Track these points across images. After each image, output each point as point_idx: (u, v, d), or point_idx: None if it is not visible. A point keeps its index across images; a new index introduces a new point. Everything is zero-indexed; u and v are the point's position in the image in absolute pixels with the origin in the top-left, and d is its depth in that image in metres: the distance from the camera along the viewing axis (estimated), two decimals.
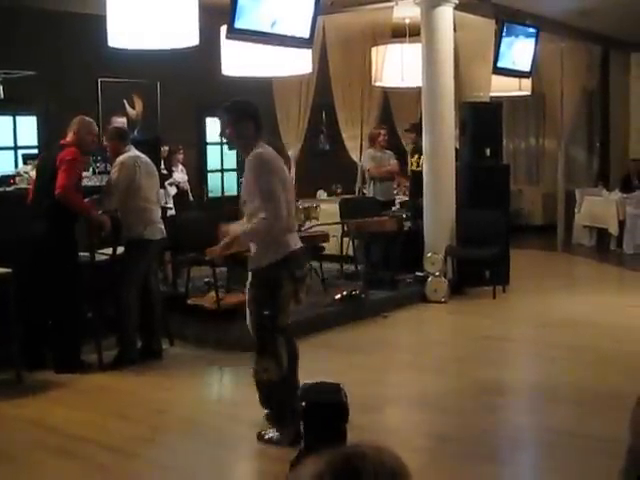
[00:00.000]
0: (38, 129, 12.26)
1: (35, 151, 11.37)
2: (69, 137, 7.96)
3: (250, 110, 6.05)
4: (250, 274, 5.99)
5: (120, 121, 11.27)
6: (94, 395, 7.38)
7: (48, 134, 12.08)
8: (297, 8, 9.23)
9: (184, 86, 13.52)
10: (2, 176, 9.20)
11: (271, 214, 5.66)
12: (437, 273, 11.14)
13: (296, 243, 5.99)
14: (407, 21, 12.99)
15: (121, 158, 8.17)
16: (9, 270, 7.35)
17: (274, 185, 5.73)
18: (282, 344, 5.97)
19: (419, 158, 11.95)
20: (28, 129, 11.80)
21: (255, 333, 5.99)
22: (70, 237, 7.90)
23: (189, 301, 9.44)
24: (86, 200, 8.08)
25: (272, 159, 5.94)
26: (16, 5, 10.95)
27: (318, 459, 1.65)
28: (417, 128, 12.05)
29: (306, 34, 9.44)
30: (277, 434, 6.03)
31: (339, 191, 15.41)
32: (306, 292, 6.20)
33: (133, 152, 8.22)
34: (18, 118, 12.54)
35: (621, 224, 15.25)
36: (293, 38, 9.31)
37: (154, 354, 8.43)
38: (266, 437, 6.06)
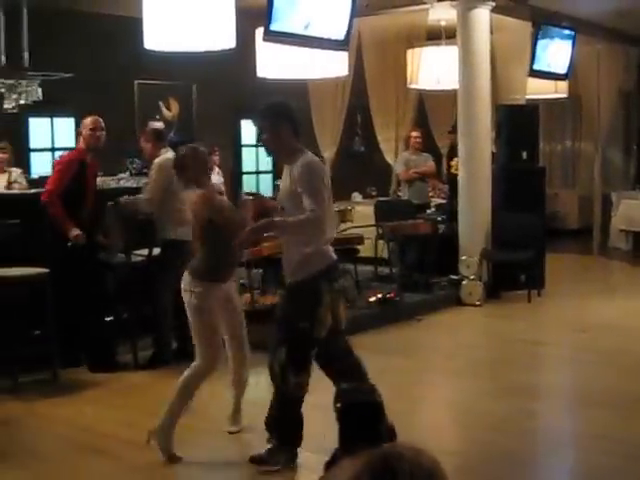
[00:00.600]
0: (76, 131, 12.35)
1: None
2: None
3: (286, 111, 5.69)
4: (285, 288, 5.76)
5: (157, 125, 11.31)
6: (128, 395, 7.42)
7: None
8: (331, 10, 9.23)
9: (220, 88, 13.56)
10: (40, 177, 9.28)
11: (322, 211, 5.38)
12: (472, 276, 11.10)
13: (333, 254, 5.71)
14: (443, 23, 12.96)
15: (158, 160, 8.19)
16: (46, 270, 7.41)
17: (324, 194, 5.48)
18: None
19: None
20: (65, 131, 11.89)
21: (287, 349, 5.56)
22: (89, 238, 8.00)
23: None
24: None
25: (322, 168, 5.73)
26: (53, 8, 11.04)
27: (355, 460, 1.66)
28: None
29: (342, 36, 9.44)
30: (276, 453, 5.72)
31: (374, 193, 15.41)
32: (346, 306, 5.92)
33: (170, 154, 8.24)
34: (55, 120, 12.65)
35: None
36: (329, 40, 9.32)
37: (189, 355, 8.44)
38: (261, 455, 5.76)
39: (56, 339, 7.55)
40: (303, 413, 5.67)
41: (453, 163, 12.51)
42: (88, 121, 8.12)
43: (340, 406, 4.64)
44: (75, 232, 7.78)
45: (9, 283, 7.32)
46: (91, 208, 8.10)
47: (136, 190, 8.58)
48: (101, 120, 8.18)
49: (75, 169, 7.99)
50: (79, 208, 7.97)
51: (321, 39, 9.21)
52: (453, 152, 12.79)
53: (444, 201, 13.10)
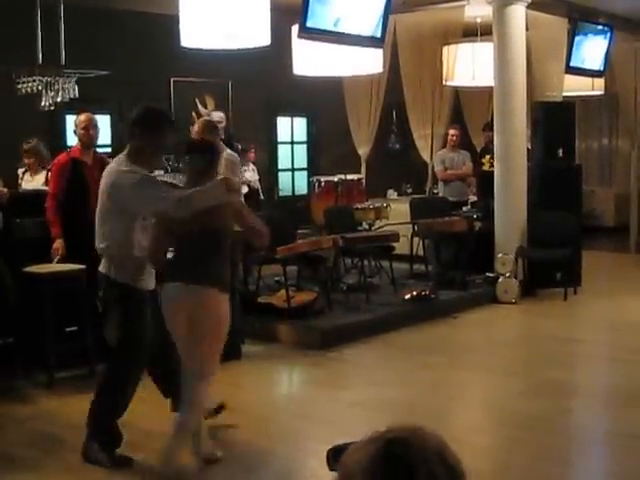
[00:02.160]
0: (112, 128, 12.41)
1: (109, 150, 11.50)
2: None
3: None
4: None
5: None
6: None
7: (121, 133, 12.24)
8: (363, 7, 9.21)
9: (255, 85, 13.59)
10: None
11: None
12: (508, 274, 11.06)
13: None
14: (479, 20, 12.92)
15: (226, 155, 7.88)
16: (82, 266, 7.45)
17: None
18: None
19: (491, 158, 11.89)
20: (102, 128, 11.94)
21: None
22: None
23: (259, 299, 9.49)
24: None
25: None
26: (90, 5, 11.11)
27: (360, 450, 1.63)
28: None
29: (377, 33, 9.43)
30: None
31: (409, 191, 15.39)
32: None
33: (228, 150, 8.15)
34: (90, 114, 12.70)
35: None
36: (364, 37, 9.31)
37: (234, 353, 8.48)
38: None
39: (92, 335, 7.59)
40: None
41: (485, 160, 12.47)
42: (81, 119, 8.13)
43: None
44: (56, 245, 7.76)
45: (45, 279, 7.39)
46: None
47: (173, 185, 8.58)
48: (94, 117, 8.23)
49: (69, 170, 8.00)
50: (84, 210, 7.95)
51: (356, 36, 9.21)
52: (486, 149, 12.74)
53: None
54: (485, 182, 12.02)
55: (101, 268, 5.78)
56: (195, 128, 8.12)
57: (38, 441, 6.25)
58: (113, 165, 5.76)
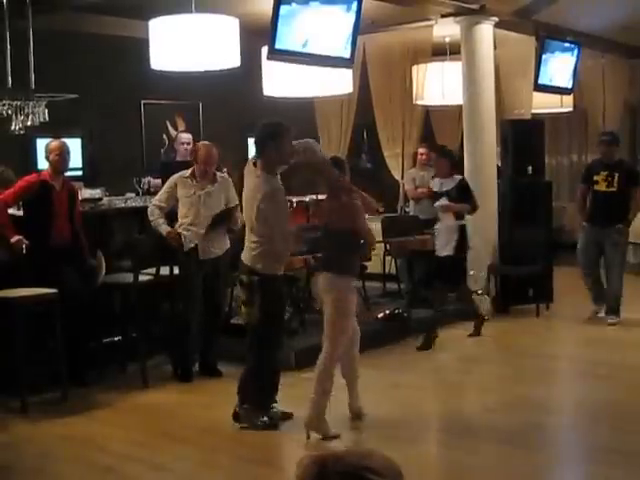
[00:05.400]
0: (83, 151, 12.37)
1: (80, 173, 11.47)
2: None
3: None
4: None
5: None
6: (138, 414, 7.43)
7: (92, 156, 12.22)
8: (331, 28, 9.23)
9: (226, 107, 13.60)
10: None
11: None
12: (480, 291, 11.10)
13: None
14: (447, 39, 13.01)
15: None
16: (54, 290, 7.44)
17: None
18: None
19: None
20: (72, 151, 11.95)
21: None
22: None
23: (232, 320, 9.46)
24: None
25: None
26: (59, 29, 11.10)
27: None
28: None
29: (346, 54, 9.47)
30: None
31: (381, 210, 15.41)
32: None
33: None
34: (64, 140, 12.66)
35: None
36: (332, 58, 9.35)
37: (213, 372, 8.52)
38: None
39: (65, 359, 7.57)
40: None
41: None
42: (54, 145, 8.23)
43: None
44: (15, 238, 7.74)
45: (16, 304, 7.35)
46: (68, 233, 8.14)
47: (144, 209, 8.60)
48: (66, 144, 8.36)
49: (36, 191, 8.02)
50: (48, 232, 8.00)
51: (325, 57, 9.24)
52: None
53: None
54: None
55: (247, 260, 6.63)
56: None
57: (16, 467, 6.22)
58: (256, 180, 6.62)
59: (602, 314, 10.81)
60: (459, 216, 9.85)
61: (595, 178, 10.69)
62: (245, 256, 6.64)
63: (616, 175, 10.57)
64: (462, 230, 9.81)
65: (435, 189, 10.14)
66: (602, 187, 10.63)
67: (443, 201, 9.87)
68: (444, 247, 9.74)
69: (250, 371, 6.77)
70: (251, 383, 6.75)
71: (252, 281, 6.55)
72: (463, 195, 9.81)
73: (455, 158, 10.49)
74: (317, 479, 1.70)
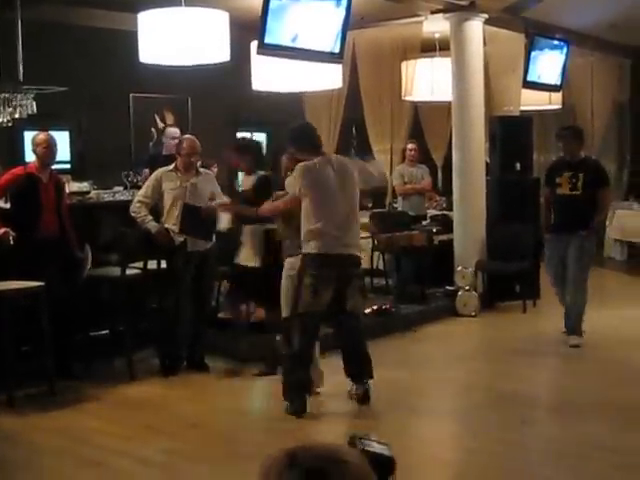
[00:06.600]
0: (71, 144, 12.34)
1: (68, 166, 11.46)
2: None
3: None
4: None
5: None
6: (125, 407, 7.42)
7: (80, 149, 12.20)
8: (320, 23, 9.22)
9: (215, 101, 13.57)
10: None
11: None
12: (467, 287, 11.13)
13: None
14: (437, 35, 13.02)
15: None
16: (41, 284, 7.42)
17: None
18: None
19: None
20: (60, 144, 11.94)
21: None
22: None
23: (220, 315, 9.47)
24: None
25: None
26: (48, 21, 11.07)
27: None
28: None
29: (336, 49, 9.46)
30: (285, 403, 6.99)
31: (369, 205, 15.41)
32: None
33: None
34: (50, 133, 12.63)
35: None
36: (323, 53, 9.34)
37: (201, 366, 8.51)
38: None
39: (52, 352, 7.55)
40: None
41: None
42: (41, 138, 8.19)
43: None
44: (2, 230, 7.66)
45: (3, 297, 7.31)
46: (55, 225, 8.12)
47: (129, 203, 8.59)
48: (53, 136, 8.32)
49: (22, 183, 8.02)
50: (35, 225, 7.98)
51: (314, 52, 9.23)
52: None
53: (440, 212, 13.10)
54: None
55: (359, 252, 7.20)
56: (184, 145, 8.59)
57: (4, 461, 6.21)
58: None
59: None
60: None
61: (557, 180, 9.52)
62: (358, 249, 7.21)
63: (580, 176, 9.31)
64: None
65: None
66: (565, 190, 9.42)
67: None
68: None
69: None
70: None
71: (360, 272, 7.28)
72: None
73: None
74: (287, 470, 1.72)
